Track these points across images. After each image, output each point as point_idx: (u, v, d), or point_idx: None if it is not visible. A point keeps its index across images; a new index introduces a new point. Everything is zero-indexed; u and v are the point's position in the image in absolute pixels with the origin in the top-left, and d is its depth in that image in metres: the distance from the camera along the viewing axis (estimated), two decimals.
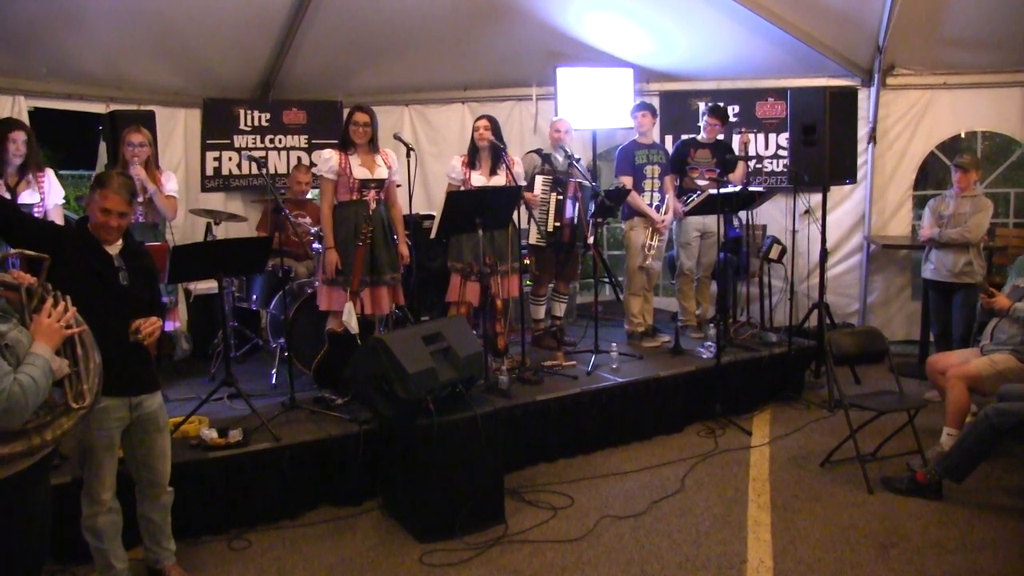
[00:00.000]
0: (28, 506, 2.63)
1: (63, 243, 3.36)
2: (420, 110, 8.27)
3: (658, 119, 7.02)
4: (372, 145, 5.25)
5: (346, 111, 8.07)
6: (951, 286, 6.19)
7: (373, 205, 5.20)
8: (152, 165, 5.39)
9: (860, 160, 7.14)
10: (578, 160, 6.08)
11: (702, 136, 6.73)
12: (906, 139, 7.44)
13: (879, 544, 4.05)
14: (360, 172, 5.16)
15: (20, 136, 4.94)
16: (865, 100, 7.22)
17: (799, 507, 4.51)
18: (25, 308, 2.66)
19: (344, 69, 7.95)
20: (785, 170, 7.50)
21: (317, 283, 5.41)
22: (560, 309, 6.69)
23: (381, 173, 5.23)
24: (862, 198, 7.54)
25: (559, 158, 6.24)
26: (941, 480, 4.50)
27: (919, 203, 7.73)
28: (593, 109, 7.48)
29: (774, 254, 7.07)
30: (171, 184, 5.51)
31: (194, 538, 4.16)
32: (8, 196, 4.69)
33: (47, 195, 5.06)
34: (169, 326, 5.42)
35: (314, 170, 5.28)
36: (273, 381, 5.74)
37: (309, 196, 7.05)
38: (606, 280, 6.66)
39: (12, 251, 2.94)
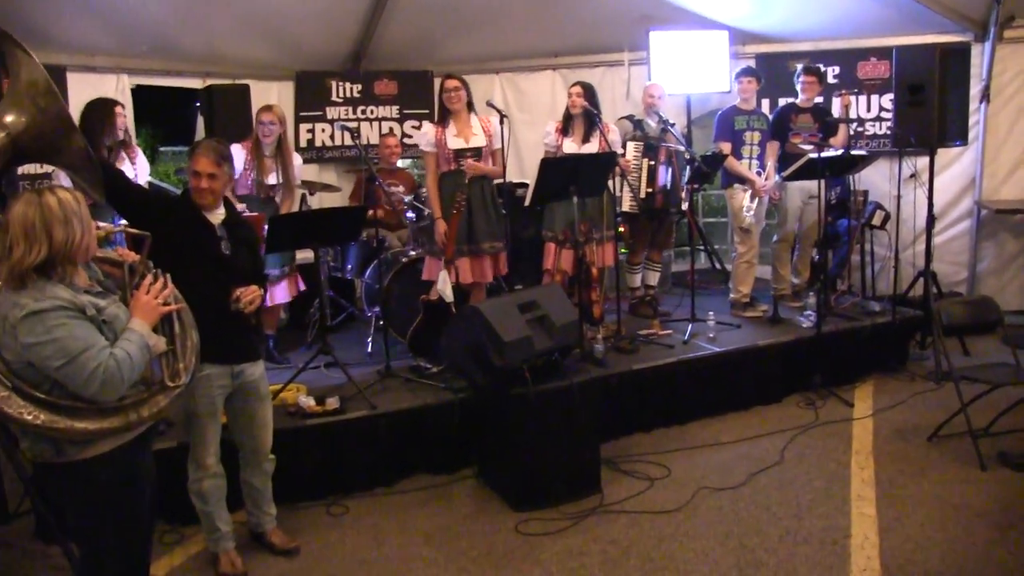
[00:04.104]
0: (134, 476, 2.67)
1: (167, 211, 3.44)
2: (511, 78, 8.18)
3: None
4: (469, 109, 5.35)
5: (437, 80, 8.09)
6: None
7: (469, 173, 5.25)
8: (286, 145, 5.56)
9: (971, 120, 6.72)
10: (672, 125, 5.95)
11: (801, 100, 6.49)
12: None
13: (996, 524, 3.86)
14: (455, 142, 5.26)
15: (124, 111, 5.21)
16: (978, 56, 6.81)
17: (905, 483, 4.35)
18: (127, 285, 2.70)
19: (434, 39, 7.92)
20: (888, 133, 7.18)
21: (412, 253, 5.46)
22: (653, 278, 6.61)
23: (477, 141, 5.30)
24: (972, 160, 7.15)
25: (651, 123, 6.13)
26: None
27: None
28: (687, 73, 7.30)
29: (877, 220, 6.84)
30: (298, 171, 5.68)
31: (293, 503, 4.25)
32: None
33: (139, 171, 5.22)
34: (284, 297, 5.51)
35: (420, 146, 5.36)
36: (369, 350, 5.82)
37: (400, 164, 7.08)
38: (702, 248, 6.51)
39: (118, 227, 2.98)
